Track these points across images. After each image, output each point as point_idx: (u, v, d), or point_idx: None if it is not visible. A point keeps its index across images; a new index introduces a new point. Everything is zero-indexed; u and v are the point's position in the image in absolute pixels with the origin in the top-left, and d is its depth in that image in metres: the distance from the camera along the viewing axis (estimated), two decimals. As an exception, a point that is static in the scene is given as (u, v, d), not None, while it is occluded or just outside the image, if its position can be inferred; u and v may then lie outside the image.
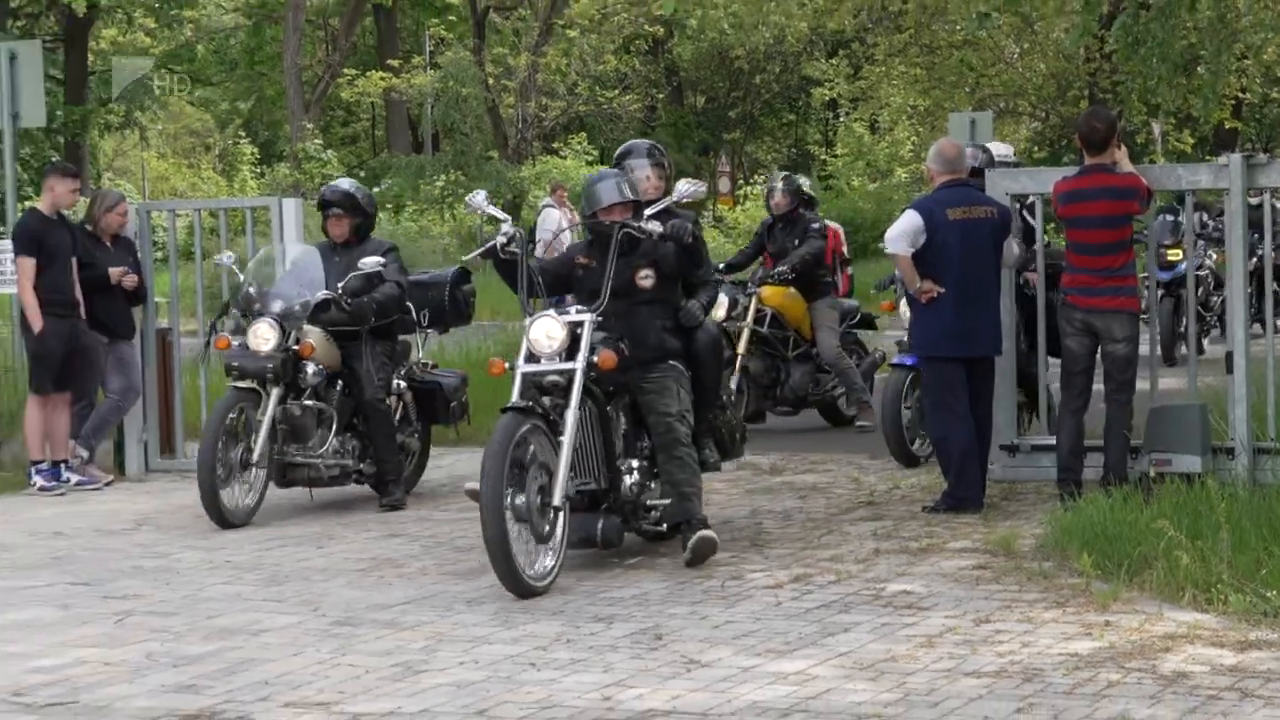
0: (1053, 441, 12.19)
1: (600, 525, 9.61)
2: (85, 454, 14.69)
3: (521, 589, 8.95)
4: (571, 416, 9.19)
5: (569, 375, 9.27)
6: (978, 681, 7.70)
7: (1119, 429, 11.76)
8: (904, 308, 13.62)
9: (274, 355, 11.56)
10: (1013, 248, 12.59)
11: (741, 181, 50.15)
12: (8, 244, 15.14)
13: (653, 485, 10.16)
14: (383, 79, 50.89)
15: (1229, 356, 12.38)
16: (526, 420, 9.14)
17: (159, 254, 16.35)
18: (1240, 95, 26.52)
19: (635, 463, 10.10)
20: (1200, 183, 13.54)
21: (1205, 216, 19.92)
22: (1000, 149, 15.54)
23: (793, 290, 16.11)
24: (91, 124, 47.55)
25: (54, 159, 27.89)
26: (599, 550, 10.06)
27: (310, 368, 11.82)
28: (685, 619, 9.12)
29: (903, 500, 12.60)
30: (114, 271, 14.70)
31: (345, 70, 50.62)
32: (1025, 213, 13.75)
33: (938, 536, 11.20)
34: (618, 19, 46.78)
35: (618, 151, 11.66)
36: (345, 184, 13.20)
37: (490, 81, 49.69)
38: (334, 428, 12.08)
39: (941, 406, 12.16)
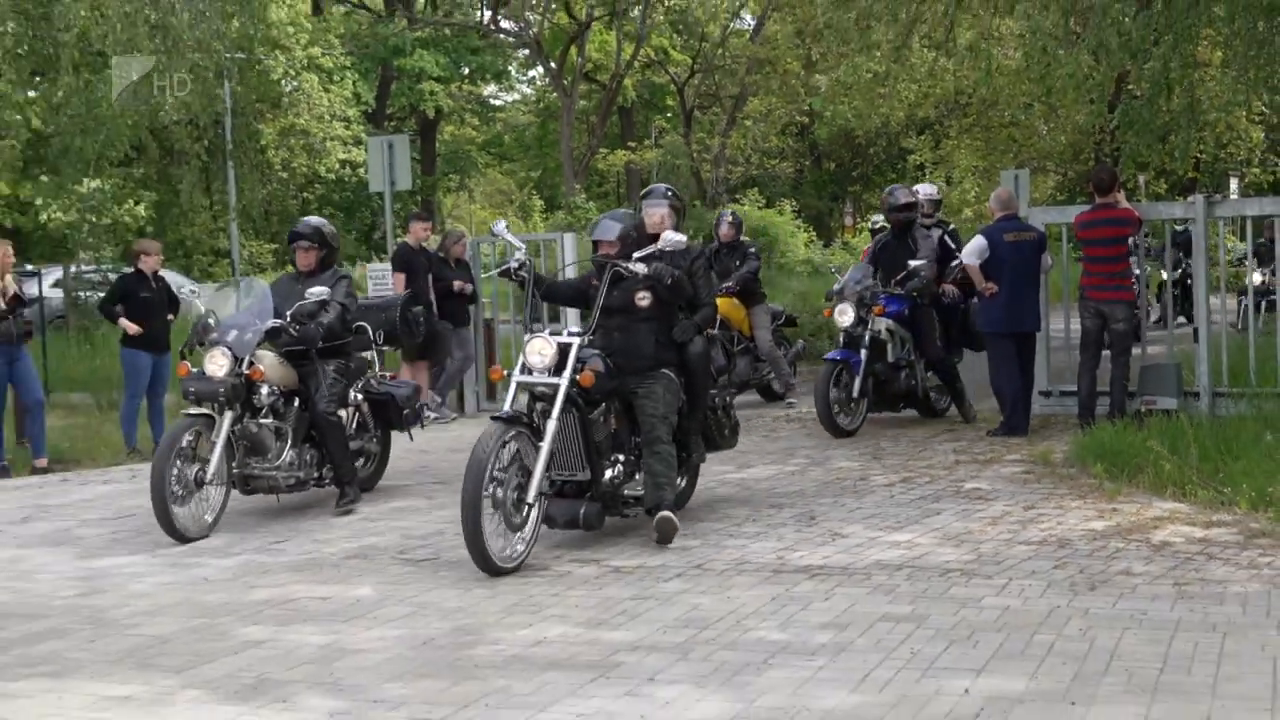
0: (1075, 388, 11.99)
1: (583, 510, 7.87)
2: (439, 400, 14.87)
3: (489, 568, 7.36)
4: (551, 425, 7.63)
5: (555, 388, 7.69)
6: (1027, 548, 7.64)
7: (1120, 380, 11.55)
8: (838, 314, 12.18)
9: (225, 380, 9.01)
10: (1047, 259, 12.41)
11: (859, 219, 50.00)
12: (388, 266, 15.40)
13: (637, 477, 8.33)
14: (624, 155, 51.25)
15: (1195, 331, 12.16)
16: (510, 428, 7.62)
17: (485, 271, 16.52)
18: (1199, 155, 25.81)
19: (621, 457, 8.26)
20: (1175, 214, 13.33)
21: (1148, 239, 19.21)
22: (927, 190, 14.71)
23: (735, 300, 14.48)
24: (438, 187, 48.22)
25: (414, 209, 28.29)
26: (583, 531, 8.15)
27: (264, 389, 9.27)
28: (830, 505, 9.12)
29: (973, 428, 12.45)
30: (456, 283, 14.81)
31: (600, 150, 50.83)
32: (947, 237, 13.42)
33: (998, 452, 11.07)
34: (777, 113, 46.68)
35: (642, 192, 9.93)
36: (314, 220, 10.77)
37: (695, 155, 49.76)
38: (290, 442, 9.52)
39: (999, 365, 12.05)
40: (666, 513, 7.94)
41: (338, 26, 43.32)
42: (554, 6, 47.07)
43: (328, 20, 42.39)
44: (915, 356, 12.57)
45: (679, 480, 8.69)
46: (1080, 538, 7.83)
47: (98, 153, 17.68)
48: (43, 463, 12.18)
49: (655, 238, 8.48)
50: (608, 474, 8.05)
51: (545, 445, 7.64)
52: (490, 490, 7.39)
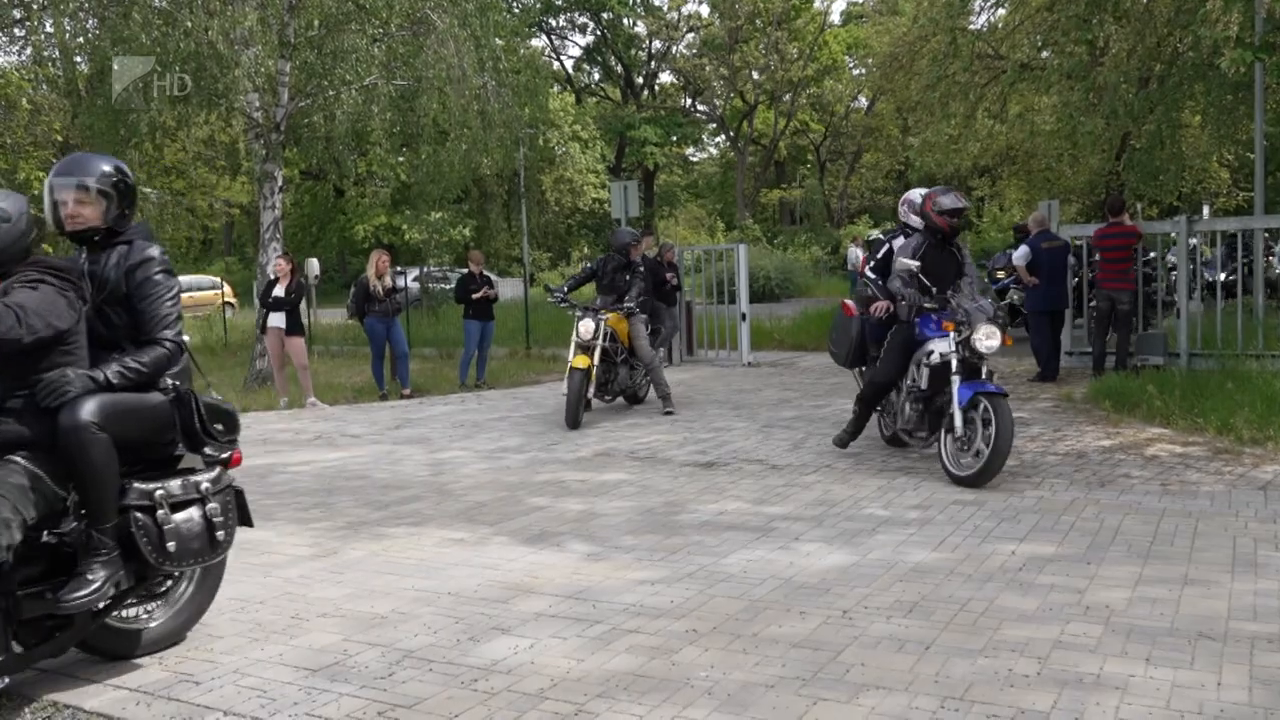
0: (1090, 349, 11.47)
1: None
2: (656, 354, 14.58)
3: None
4: None
5: None
6: (1057, 457, 7.34)
7: (1124, 343, 11.00)
8: (985, 338, 6.63)
9: None
10: (1070, 259, 11.86)
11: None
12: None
13: None
14: (779, 193, 50.62)
15: (1177, 311, 11.48)
16: None
17: (685, 269, 16.54)
18: (1182, 189, 24.37)
19: None
20: (1165, 230, 12.52)
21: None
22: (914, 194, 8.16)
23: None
24: (656, 215, 48.24)
25: (642, 229, 28.59)
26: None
27: None
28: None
29: (1018, 378, 11.96)
30: (670, 277, 14.11)
31: (762, 189, 50.29)
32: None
33: (1035, 392, 10.65)
34: (883, 163, 45.58)
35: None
36: None
37: (826, 193, 48.90)
38: None
39: (1038, 333, 11.58)
40: None
41: (591, 110, 43.80)
42: (732, 95, 46.76)
43: (584, 107, 42.93)
44: None
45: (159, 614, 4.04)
46: (1094, 451, 7.50)
47: (440, 195, 18.17)
48: (407, 392, 12.52)
49: (74, 236, 3.88)
50: None
51: None
52: None
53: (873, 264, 7.68)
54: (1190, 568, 4.74)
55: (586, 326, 9.62)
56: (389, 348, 12.56)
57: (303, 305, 12.46)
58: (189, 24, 12.32)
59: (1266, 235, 12.03)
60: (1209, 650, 3.76)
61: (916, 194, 7.61)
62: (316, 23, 14.04)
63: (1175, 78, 15.29)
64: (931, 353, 6.94)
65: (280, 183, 14.17)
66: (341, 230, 38.53)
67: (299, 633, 4.31)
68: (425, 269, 25.89)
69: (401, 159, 22.98)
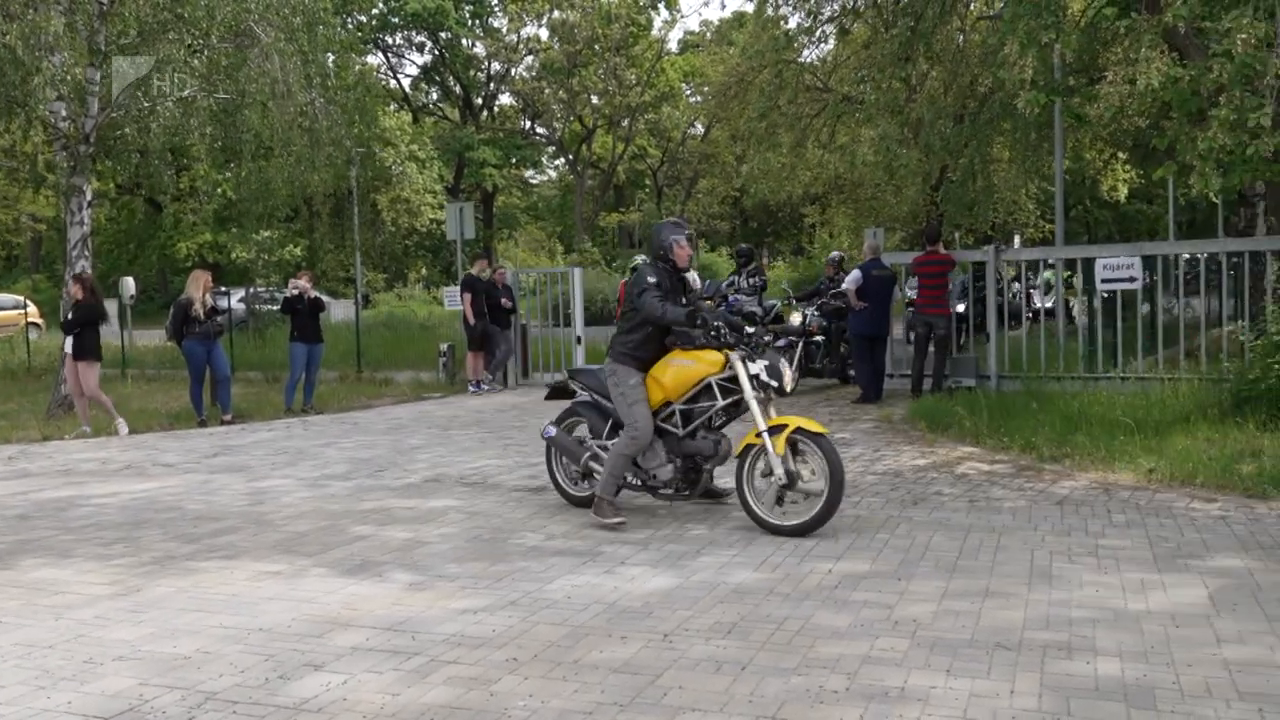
0: (909, 372, 12.00)
1: None
2: (490, 377, 14.77)
3: None
4: None
5: None
6: (875, 476, 7.62)
7: (940, 367, 11.58)
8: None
9: None
10: (897, 291, 12.41)
11: (769, 258, 50.15)
12: (457, 288, 15.21)
13: None
14: (617, 216, 51.23)
15: (988, 336, 12.12)
16: None
17: (522, 292, 16.45)
18: (994, 219, 25.86)
19: None
20: (976, 258, 13.22)
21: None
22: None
23: None
24: (494, 237, 47.98)
25: (478, 251, 28.13)
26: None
27: None
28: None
29: (841, 399, 12.41)
30: (503, 300, 14.64)
31: (601, 213, 50.72)
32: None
33: (857, 413, 11.06)
34: (718, 189, 46.72)
35: None
36: None
37: (663, 215, 49.74)
38: None
39: (861, 357, 12.03)
40: None
41: (429, 130, 43.30)
42: (571, 119, 47.03)
43: (422, 126, 42.38)
44: None
45: None
46: (909, 470, 7.83)
47: (268, 213, 17.57)
48: (228, 418, 12.07)
49: None
50: None
51: None
52: None
53: None
54: (991, 580, 4.99)
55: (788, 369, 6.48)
56: (209, 371, 12.04)
57: (115, 325, 11.80)
58: (-15, 27, 11.55)
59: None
60: (1004, 660, 3.96)
61: None
62: (133, 31, 13.38)
63: (986, 115, 16.25)
64: None
65: (89, 197, 13.40)
66: (162, 248, 36.78)
67: (91, 678, 4.04)
68: (252, 290, 24.93)
69: (227, 175, 22.12)
